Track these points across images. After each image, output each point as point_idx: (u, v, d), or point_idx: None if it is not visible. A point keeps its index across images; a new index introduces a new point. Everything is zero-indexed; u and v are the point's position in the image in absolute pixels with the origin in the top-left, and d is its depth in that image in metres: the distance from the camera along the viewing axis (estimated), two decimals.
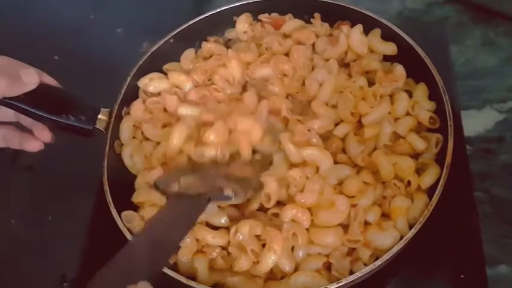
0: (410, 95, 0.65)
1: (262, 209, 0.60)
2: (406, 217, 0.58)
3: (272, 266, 0.56)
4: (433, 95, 0.65)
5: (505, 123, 0.73)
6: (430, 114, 0.63)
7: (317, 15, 0.73)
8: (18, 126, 0.61)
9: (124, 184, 0.65)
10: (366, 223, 0.58)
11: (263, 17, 0.75)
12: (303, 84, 0.67)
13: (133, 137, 0.68)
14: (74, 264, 0.66)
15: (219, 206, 0.60)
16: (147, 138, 0.67)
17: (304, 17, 0.75)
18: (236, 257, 0.57)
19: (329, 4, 0.73)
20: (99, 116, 0.63)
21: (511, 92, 0.76)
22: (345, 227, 0.58)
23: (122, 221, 0.59)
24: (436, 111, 0.64)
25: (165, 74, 0.72)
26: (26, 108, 0.57)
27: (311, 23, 0.74)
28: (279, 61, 0.68)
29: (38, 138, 0.60)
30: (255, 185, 0.59)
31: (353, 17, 0.71)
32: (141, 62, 0.71)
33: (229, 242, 0.58)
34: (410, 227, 0.56)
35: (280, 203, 0.59)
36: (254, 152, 0.62)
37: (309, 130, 0.62)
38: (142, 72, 0.71)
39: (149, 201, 0.62)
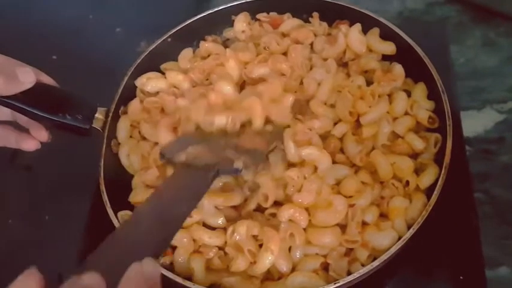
0: (409, 94, 0.65)
1: (259, 209, 0.60)
2: (404, 217, 0.57)
3: (269, 267, 0.56)
4: (432, 94, 0.65)
5: (505, 123, 0.73)
6: (429, 114, 0.63)
7: (315, 14, 0.73)
8: (15, 125, 0.61)
9: (121, 184, 0.65)
10: (364, 223, 0.57)
11: (261, 16, 0.75)
12: (301, 83, 0.67)
13: (131, 137, 0.68)
14: (71, 264, 0.66)
15: (216, 207, 0.60)
16: (144, 138, 0.67)
17: (303, 16, 0.75)
18: (233, 257, 0.57)
19: (328, 3, 0.73)
20: (96, 115, 0.63)
21: (511, 93, 0.75)
22: (343, 227, 0.57)
23: (119, 221, 0.59)
24: (435, 111, 0.64)
25: (163, 73, 0.72)
26: (23, 107, 0.57)
27: (309, 22, 0.74)
28: (277, 60, 0.67)
29: (34, 138, 0.60)
30: (265, 158, 0.55)
31: (352, 17, 0.71)
32: (138, 61, 0.71)
33: (226, 242, 0.58)
34: (409, 228, 0.55)
35: (277, 203, 0.59)
36: (266, 122, 0.59)
37: (309, 129, 0.61)
38: (140, 71, 0.71)
39: None
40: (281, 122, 0.60)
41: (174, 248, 0.59)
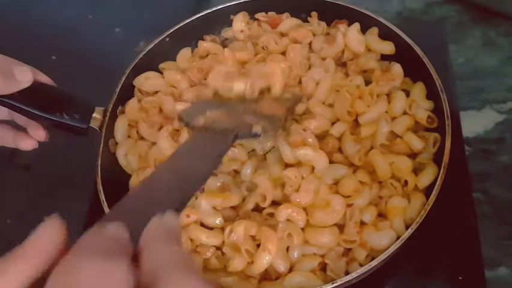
0: (408, 94, 0.65)
1: (257, 209, 0.60)
2: (403, 217, 0.57)
3: (267, 267, 0.55)
4: (431, 94, 0.64)
5: (504, 123, 0.72)
6: (428, 114, 0.63)
7: (314, 13, 0.73)
8: (12, 124, 0.61)
9: (118, 183, 0.65)
10: (362, 223, 0.57)
11: (260, 15, 0.75)
12: (300, 83, 0.67)
13: (128, 136, 0.68)
14: None
15: (214, 208, 0.59)
16: (142, 138, 0.67)
17: (301, 15, 0.75)
18: (230, 257, 0.57)
19: (326, 3, 0.73)
20: (94, 115, 0.63)
21: (511, 93, 0.75)
22: (341, 227, 0.57)
23: None
24: (434, 111, 0.64)
25: (161, 72, 0.72)
26: (20, 106, 0.57)
27: (308, 22, 0.73)
28: (275, 60, 0.67)
29: (32, 137, 0.60)
30: (283, 124, 0.55)
31: (350, 16, 0.71)
32: (136, 61, 0.71)
33: (223, 242, 0.58)
34: (407, 228, 0.55)
35: (275, 203, 0.59)
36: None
37: (304, 130, 0.61)
38: (138, 71, 0.71)
39: None
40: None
41: None
